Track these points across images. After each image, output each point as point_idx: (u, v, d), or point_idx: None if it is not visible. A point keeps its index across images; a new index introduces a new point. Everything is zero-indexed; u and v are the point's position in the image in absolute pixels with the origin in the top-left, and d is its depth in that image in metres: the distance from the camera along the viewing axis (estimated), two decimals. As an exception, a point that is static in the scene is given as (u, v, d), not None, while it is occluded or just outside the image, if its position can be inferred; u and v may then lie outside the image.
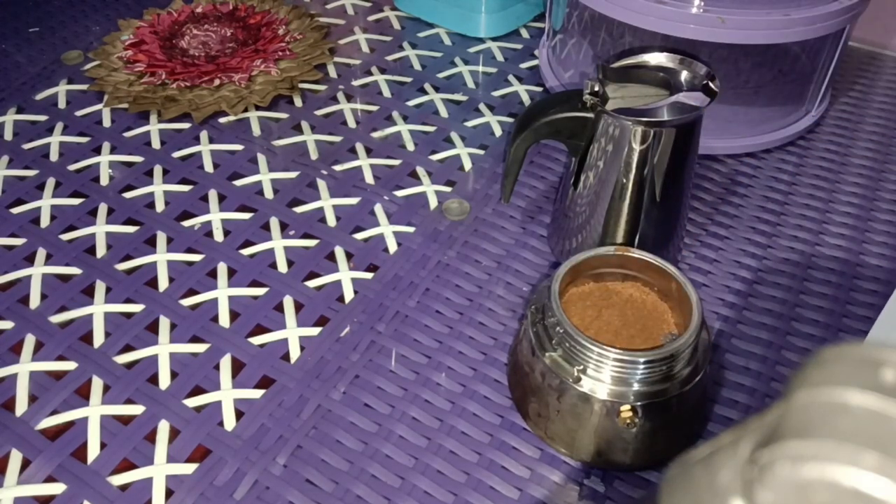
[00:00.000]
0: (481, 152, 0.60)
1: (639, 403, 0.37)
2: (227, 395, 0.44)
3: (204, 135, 0.62)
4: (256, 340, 0.47)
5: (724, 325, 0.47)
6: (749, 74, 0.62)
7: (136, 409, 0.43)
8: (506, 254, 0.52)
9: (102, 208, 0.55)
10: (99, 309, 0.48)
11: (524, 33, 0.73)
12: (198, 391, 0.44)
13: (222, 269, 0.51)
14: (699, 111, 0.41)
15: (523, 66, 0.69)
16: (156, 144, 0.61)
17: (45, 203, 0.56)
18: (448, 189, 0.57)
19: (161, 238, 0.53)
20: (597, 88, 0.42)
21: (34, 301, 0.49)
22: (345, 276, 0.50)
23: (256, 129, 0.62)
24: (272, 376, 0.45)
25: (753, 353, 0.46)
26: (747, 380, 0.44)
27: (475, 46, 0.72)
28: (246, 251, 0.52)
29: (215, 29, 0.71)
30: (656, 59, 0.43)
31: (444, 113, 0.64)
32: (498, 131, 0.62)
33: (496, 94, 0.66)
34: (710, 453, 0.15)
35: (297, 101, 0.65)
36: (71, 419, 0.43)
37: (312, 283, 0.50)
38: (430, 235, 0.53)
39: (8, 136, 0.62)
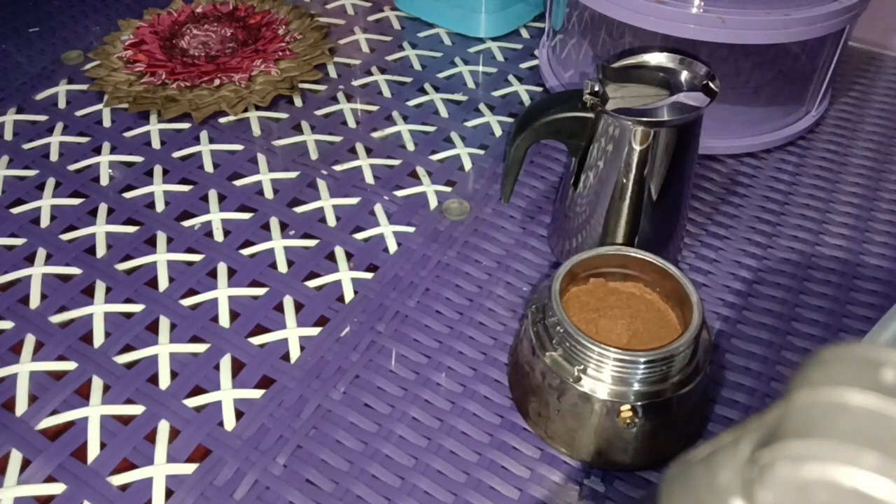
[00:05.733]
0: (481, 152, 0.60)
1: (639, 403, 0.37)
2: (227, 395, 0.44)
3: (204, 135, 0.62)
4: (256, 340, 0.47)
5: (725, 325, 0.47)
6: (749, 74, 0.62)
7: (136, 409, 0.43)
8: (506, 254, 0.52)
9: (102, 208, 0.55)
10: (99, 309, 0.48)
11: (524, 33, 0.73)
12: (198, 391, 0.44)
13: (222, 269, 0.51)
14: (699, 111, 0.41)
15: (523, 66, 0.69)
16: (156, 144, 0.61)
17: (45, 203, 0.56)
18: (448, 189, 0.57)
19: (161, 238, 0.53)
20: (597, 88, 0.42)
21: (34, 301, 0.49)
22: (345, 276, 0.50)
23: (256, 129, 0.62)
24: (272, 376, 0.45)
25: (753, 353, 0.46)
26: (747, 380, 0.44)
27: (475, 46, 0.72)
28: (246, 251, 0.52)
29: (215, 29, 0.71)
30: (656, 59, 0.43)
31: (444, 113, 0.64)
32: (498, 131, 0.62)
33: (496, 94, 0.66)
34: (710, 453, 0.15)
35: (297, 101, 0.65)
36: (71, 419, 0.43)
37: (312, 283, 0.50)
38: (430, 235, 0.53)
39: (8, 136, 0.62)
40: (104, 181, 0.58)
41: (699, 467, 0.15)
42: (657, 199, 0.45)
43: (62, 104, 0.65)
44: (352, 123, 0.63)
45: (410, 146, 0.61)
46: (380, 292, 0.49)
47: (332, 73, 0.68)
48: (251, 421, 0.43)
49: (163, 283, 0.50)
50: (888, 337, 0.34)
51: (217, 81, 0.65)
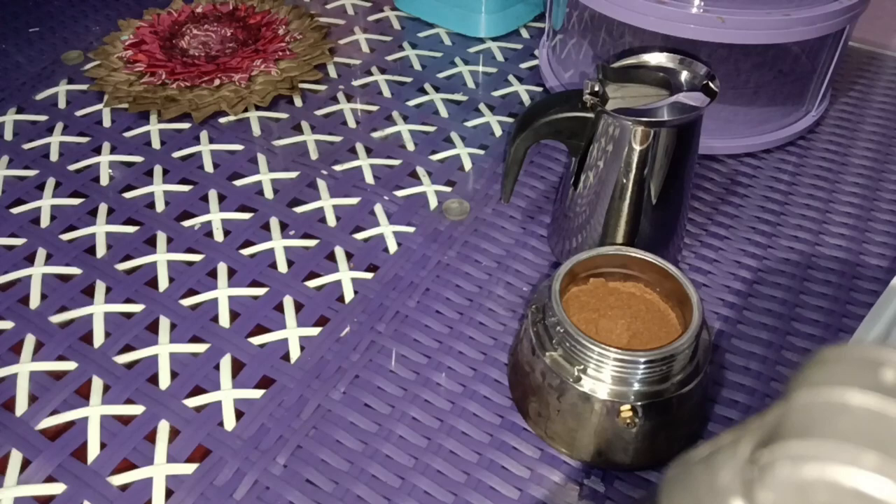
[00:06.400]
0: (481, 152, 0.60)
1: (639, 403, 0.37)
2: (227, 395, 0.44)
3: (204, 135, 0.62)
4: (256, 340, 0.47)
5: (725, 325, 0.47)
6: (749, 74, 0.62)
7: (136, 409, 0.43)
8: (506, 254, 0.52)
9: (102, 208, 0.55)
10: (99, 309, 0.48)
11: (524, 33, 0.73)
12: (198, 391, 0.44)
13: (222, 269, 0.51)
14: (699, 111, 0.41)
15: (523, 66, 0.69)
16: (156, 144, 0.61)
17: (46, 203, 0.56)
18: (448, 189, 0.57)
19: (161, 238, 0.53)
20: (597, 88, 0.42)
21: (34, 301, 0.49)
22: (345, 276, 0.50)
23: (256, 129, 0.62)
24: (272, 376, 0.45)
25: (753, 353, 0.46)
26: (747, 380, 0.44)
27: (475, 46, 0.72)
28: (246, 251, 0.52)
29: (215, 29, 0.71)
30: (656, 59, 0.43)
31: (444, 113, 0.64)
32: (498, 131, 0.62)
33: (496, 94, 0.66)
34: (711, 453, 0.15)
35: (297, 101, 0.65)
36: (71, 419, 0.43)
37: (312, 283, 0.50)
38: (430, 235, 0.53)
39: (8, 136, 0.62)
40: (104, 181, 0.58)
41: (699, 467, 0.15)
42: (657, 199, 0.45)
43: (62, 104, 0.65)
44: (352, 123, 0.63)
45: (410, 146, 0.61)
46: (380, 292, 0.49)
47: (332, 73, 0.68)
48: (251, 421, 0.43)
49: (163, 283, 0.50)
50: (877, 334, 0.34)
51: (217, 81, 0.65)
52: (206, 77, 0.65)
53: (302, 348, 0.46)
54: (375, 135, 0.62)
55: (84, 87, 0.67)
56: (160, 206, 0.56)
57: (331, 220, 0.54)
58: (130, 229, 0.54)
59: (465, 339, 0.47)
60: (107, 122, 0.63)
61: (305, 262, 0.51)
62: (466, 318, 0.48)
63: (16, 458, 0.41)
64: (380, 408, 0.43)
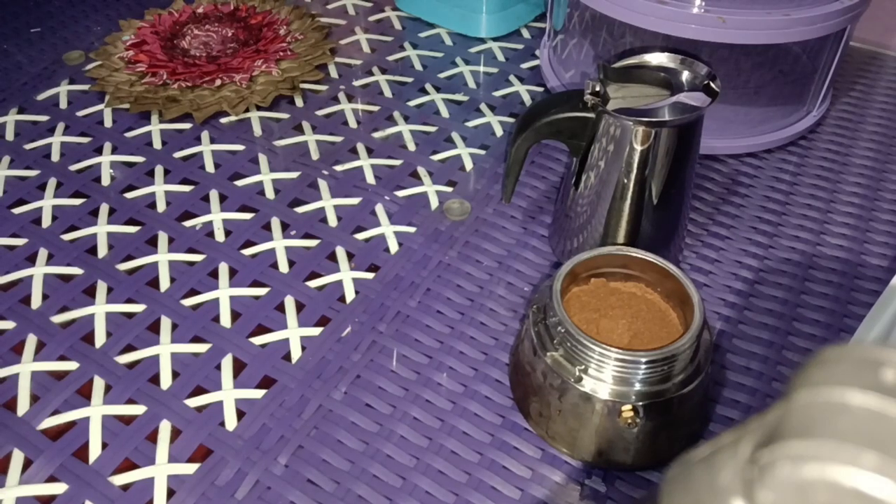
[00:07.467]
0: (482, 152, 0.60)
1: (640, 403, 0.37)
2: (228, 395, 0.44)
3: (205, 135, 0.62)
4: (258, 340, 0.47)
5: (726, 325, 0.47)
6: (750, 74, 0.62)
7: (138, 409, 0.43)
8: (507, 254, 0.52)
9: (104, 208, 0.55)
10: (100, 309, 0.48)
11: (525, 33, 0.73)
12: (199, 391, 0.44)
13: (223, 269, 0.51)
14: (700, 111, 0.41)
15: (524, 66, 0.69)
16: (157, 145, 0.61)
17: (47, 203, 0.56)
18: (449, 189, 0.57)
19: (162, 238, 0.53)
20: (598, 88, 0.42)
21: (36, 301, 0.49)
22: (346, 277, 0.50)
23: (257, 130, 0.62)
24: (273, 376, 0.45)
25: (754, 353, 0.46)
26: (748, 380, 0.44)
27: (476, 46, 0.72)
28: (247, 251, 0.52)
29: (216, 29, 0.71)
30: (657, 59, 0.43)
31: (444, 113, 0.64)
32: (499, 131, 0.62)
33: (497, 94, 0.66)
34: (711, 453, 0.16)
35: (299, 102, 0.65)
36: (72, 419, 0.43)
37: (313, 284, 0.50)
38: (431, 235, 0.53)
39: (9, 136, 0.62)
40: (105, 181, 0.58)
41: (700, 467, 0.15)
42: (658, 199, 0.45)
43: (63, 104, 0.65)
44: (353, 123, 0.63)
45: (411, 146, 0.61)
46: (381, 292, 0.49)
47: (333, 73, 0.68)
48: (252, 421, 0.43)
49: (164, 284, 0.50)
50: (877, 334, 0.34)
51: (218, 82, 0.65)
52: (208, 77, 0.65)
53: (303, 348, 0.46)
54: (376, 135, 0.62)
55: (85, 87, 0.67)
56: (161, 207, 0.56)
57: (332, 221, 0.54)
58: (132, 229, 0.54)
59: (466, 339, 0.47)
60: (108, 123, 0.63)
61: (306, 262, 0.51)
62: (467, 318, 0.48)
63: (17, 457, 0.41)
64: (381, 408, 0.43)
